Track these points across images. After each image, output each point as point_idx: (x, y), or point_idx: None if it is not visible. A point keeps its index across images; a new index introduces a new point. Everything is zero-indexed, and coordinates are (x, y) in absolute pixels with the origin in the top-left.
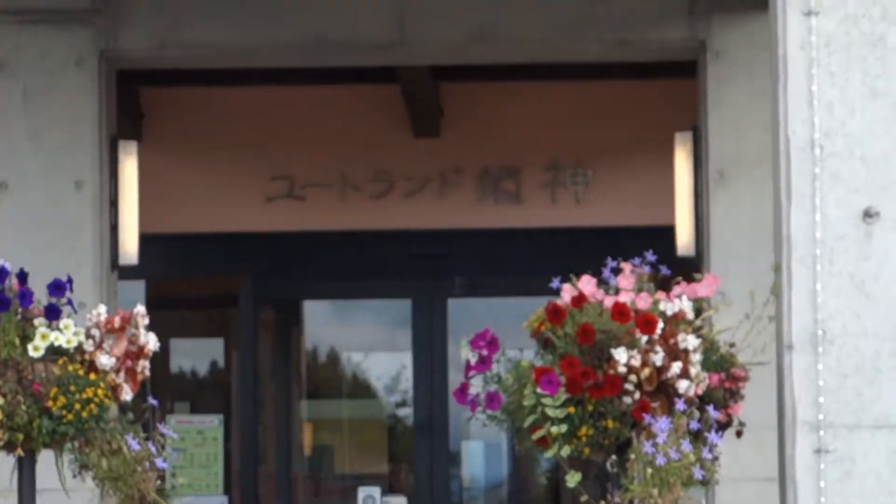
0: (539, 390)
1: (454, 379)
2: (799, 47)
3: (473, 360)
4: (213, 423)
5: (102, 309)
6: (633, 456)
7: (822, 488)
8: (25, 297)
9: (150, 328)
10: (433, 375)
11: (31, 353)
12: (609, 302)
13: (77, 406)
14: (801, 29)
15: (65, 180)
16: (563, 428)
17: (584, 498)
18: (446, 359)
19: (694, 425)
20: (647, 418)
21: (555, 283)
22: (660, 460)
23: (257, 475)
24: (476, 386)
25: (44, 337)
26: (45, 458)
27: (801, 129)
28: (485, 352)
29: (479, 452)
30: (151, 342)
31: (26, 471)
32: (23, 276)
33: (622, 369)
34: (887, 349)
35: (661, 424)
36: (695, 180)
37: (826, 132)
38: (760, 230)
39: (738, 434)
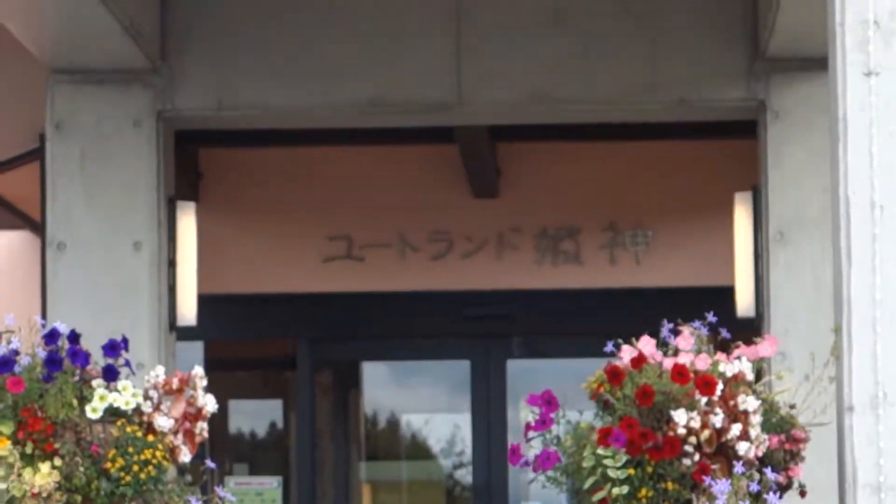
0: (600, 451)
1: (513, 441)
2: (859, 108)
3: (533, 421)
4: (271, 485)
5: (160, 370)
6: None
7: None
8: (77, 356)
9: (208, 389)
10: (491, 437)
11: (90, 414)
12: (668, 363)
13: (135, 468)
14: (861, 89)
15: (123, 241)
16: (625, 489)
17: None
18: (505, 421)
19: (754, 487)
20: (706, 480)
21: (608, 347)
22: None
23: None
24: (535, 448)
25: (102, 398)
26: None
27: (860, 190)
28: (544, 411)
29: None
30: (210, 404)
31: None
32: (74, 337)
33: (682, 431)
34: None
35: (721, 486)
36: (755, 241)
37: (886, 192)
38: (821, 291)
39: (802, 494)
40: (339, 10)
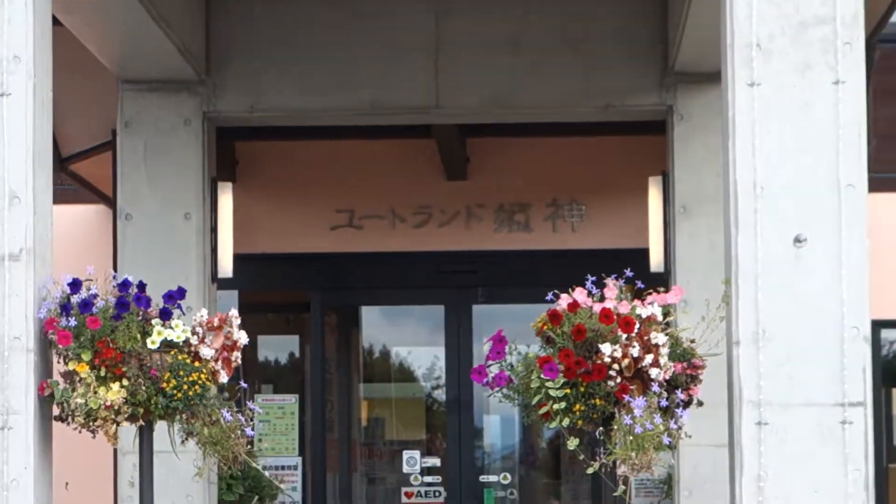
0: (543, 376)
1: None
2: (744, 111)
3: (488, 352)
4: (290, 401)
5: (204, 312)
6: (615, 427)
7: (762, 452)
8: (141, 300)
9: (241, 327)
10: (461, 365)
11: (150, 345)
12: (597, 308)
13: (185, 387)
14: (746, 97)
15: (176, 213)
16: (562, 405)
17: (580, 457)
18: (471, 352)
19: (663, 403)
20: (626, 398)
21: (550, 296)
22: (637, 430)
23: (325, 441)
24: (493, 371)
25: (159, 333)
26: (160, 427)
27: (745, 175)
28: (497, 345)
29: (497, 425)
30: (242, 338)
31: (146, 437)
32: (141, 286)
33: (607, 359)
34: (811, 345)
35: (639, 402)
36: (664, 213)
37: (765, 176)
38: (714, 252)
39: (699, 406)
40: (346, 35)
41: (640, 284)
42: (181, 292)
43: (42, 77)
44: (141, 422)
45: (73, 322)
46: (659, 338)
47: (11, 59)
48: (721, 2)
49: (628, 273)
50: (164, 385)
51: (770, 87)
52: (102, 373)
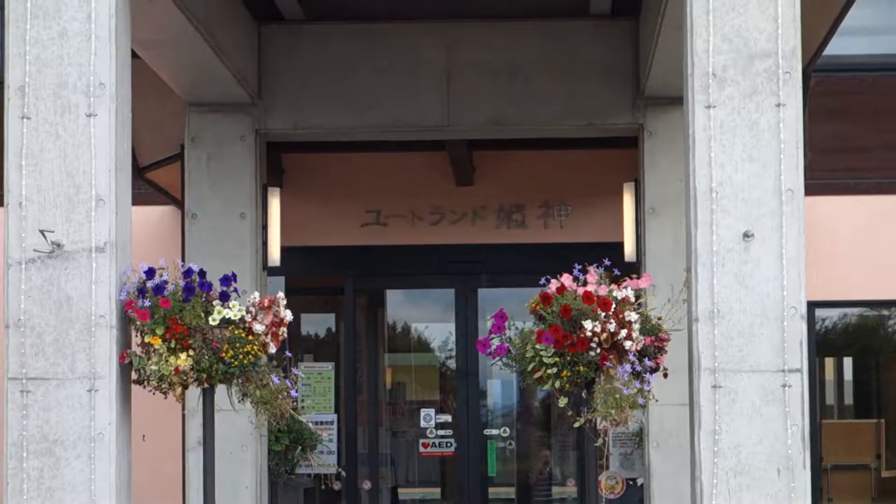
0: (537, 345)
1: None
2: (702, 129)
3: (490, 326)
4: (328, 368)
5: (256, 294)
6: (597, 389)
7: (717, 410)
8: (204, 286)
9: (286, 307)
10: (468, 338)
11: (211, 322)
12: (581, 290)
13: (241, 356)
14: (703, 117)
15: (233, 213)
16: (553, 370)
17: (569, 413)
18: (477, 328)
19: (637, 368)
20: (606, 364)
21: (542, 281)
22: (626, 391)
23: (356, 401)
24: (495, 343)
25: (219, 312)
26: (220, 389)
27: (703, 181)
28: (499, 321)
29: (498, 387)
30: (288, 316)
31: (208, 397)
32: (203, 273)
33: (589, 333)
34: (757, 322)
35: (626, 368)
36: (636, 213)
37: (720, 182)
38: (678, 245)
39: (665, 375)
40: (373, 66)
41: (616, 272)
42: (234, 276)
43: (122, 100)
44: (205, 384)
45: (147, 303)
46: (632, 316)
47: (97, 85)
48: (683, 38)
49: (607, 262)
50: (224, 355)
51: (724, 109)
52: (172, 345)
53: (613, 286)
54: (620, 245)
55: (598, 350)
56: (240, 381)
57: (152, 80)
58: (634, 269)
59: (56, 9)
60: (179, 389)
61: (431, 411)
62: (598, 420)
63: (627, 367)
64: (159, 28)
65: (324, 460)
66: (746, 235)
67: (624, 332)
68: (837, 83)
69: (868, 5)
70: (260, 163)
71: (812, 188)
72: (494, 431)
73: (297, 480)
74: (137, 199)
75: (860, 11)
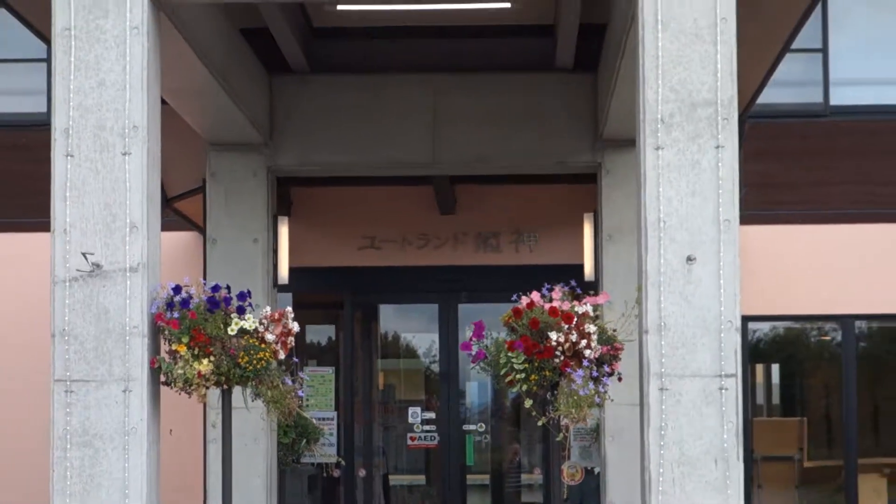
0: (510, 353)
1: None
2: (651, 168)
3: (471, 336)
4: (328, 372)
5: (268, 309)
6: (559, 392)
7: (663, 410)
8: (226, 301)
9: (294, 319)
10: (450, 347)
11: (229, 332)
12: (548, 306)
13: (255, 362)
14: (653, 157)
15: (247, 238)
16: (522, 375)
17: (533, 414)
18: (458, 337)
19: (595, 374)
20: (568, 370)
21: (514, 297)
22: (582, 392)
23: (353, 401)
24: (473, 350)
25: (236, 324)
26: (237, 390)
27: (652, 213)
28: (476, 331)
29: (475, 388)
30: (295, 327)
31: (226, 397)
32: (229, 289)
33: (554, 343)
34: (699, 333)
35: (579, 373)
36: (594, 239)
37: (667, 213)
38: (631, 268)
39: (619, 379)
40: (370, 110)
41: (578, 290)
42: (249, 293)
43: (153, 141)
44: (224, 386)
45: (176, 315)
46: (591, 328)
47: (132, 128)
48: (636, 89)
49: (572, 282)
50: (240, 360)
51: (670, 150)
52: (196, 352)
53: (575, 302)
54: (581, 267)
55: (562, 357)
56: (253, 383)
57: (178, 123)
58: (593, 288)
59: (96, 62)
60: (202, 390)
61: (418, 409)
62: (561, 418)
63: (581, 371)
64: (184, 78)
65: (325, 451)
66: (689, 259)
67: (584, 342)
68: (769, 128)
69: (795, 61)
70: (271, 195)
71: (746, 218)
72: (472, 427)
73: (302, 468)
74: (165, 226)
75: (788, 66)
